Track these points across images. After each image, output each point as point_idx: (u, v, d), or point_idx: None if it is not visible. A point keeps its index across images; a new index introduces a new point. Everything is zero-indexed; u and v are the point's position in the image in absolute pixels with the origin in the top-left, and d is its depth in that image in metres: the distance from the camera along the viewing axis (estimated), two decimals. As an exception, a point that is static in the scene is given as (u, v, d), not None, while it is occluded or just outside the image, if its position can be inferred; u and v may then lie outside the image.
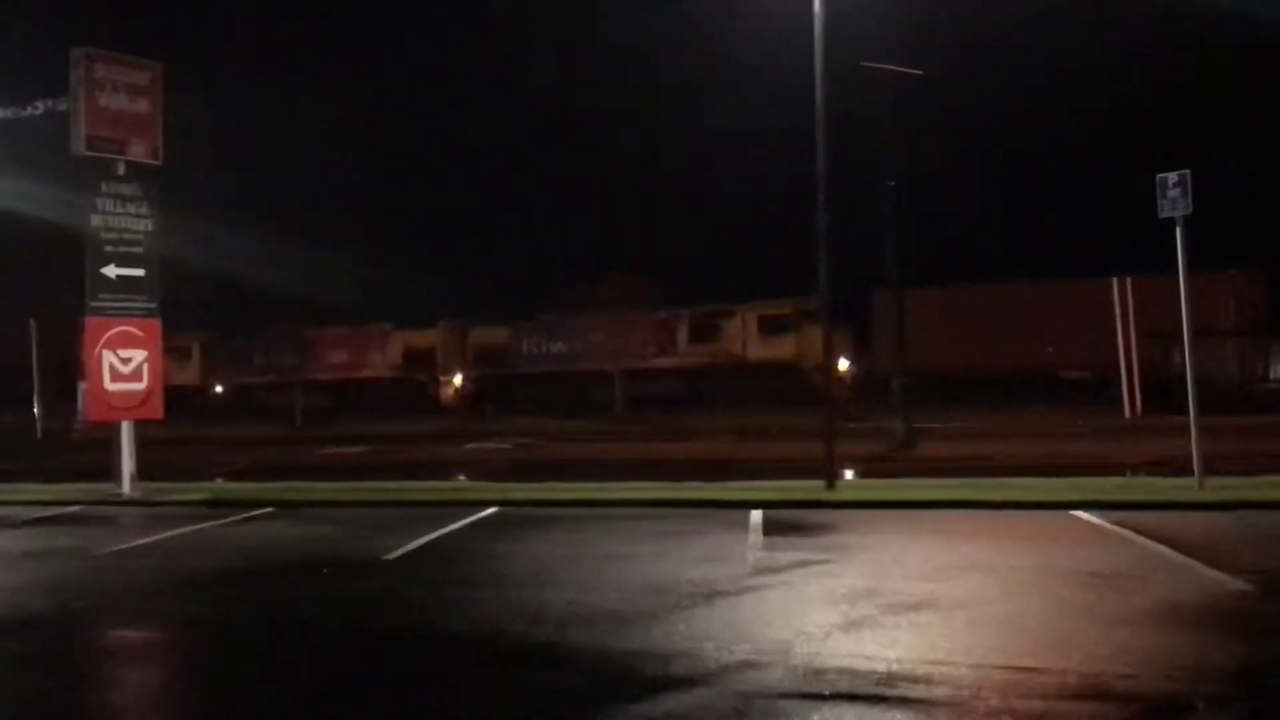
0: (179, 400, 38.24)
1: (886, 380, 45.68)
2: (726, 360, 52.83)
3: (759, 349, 52.66)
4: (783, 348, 52.58)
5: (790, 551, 12.72)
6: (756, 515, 15.43)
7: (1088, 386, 44.35)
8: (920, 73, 26.45)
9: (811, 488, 17.93)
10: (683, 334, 53.64)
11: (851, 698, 7.19)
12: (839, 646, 8.39)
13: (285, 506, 18.86)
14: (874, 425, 30.86)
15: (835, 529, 14.37)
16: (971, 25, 52.67)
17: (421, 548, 14.02)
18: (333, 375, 59.57)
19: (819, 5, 18.28)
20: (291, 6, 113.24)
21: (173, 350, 42.71)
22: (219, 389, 59.99)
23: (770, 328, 52.67)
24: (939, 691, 7.25)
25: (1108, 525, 13.92)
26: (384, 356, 59.69)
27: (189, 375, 57.93)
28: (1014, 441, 28.38)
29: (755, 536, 13.91)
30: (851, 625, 9.07)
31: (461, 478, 24.93)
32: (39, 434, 44.10)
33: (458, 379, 60.60)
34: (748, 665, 7.95)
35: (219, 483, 24.39)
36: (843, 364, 53.79)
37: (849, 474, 20.98)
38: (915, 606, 9.65)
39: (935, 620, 9.17)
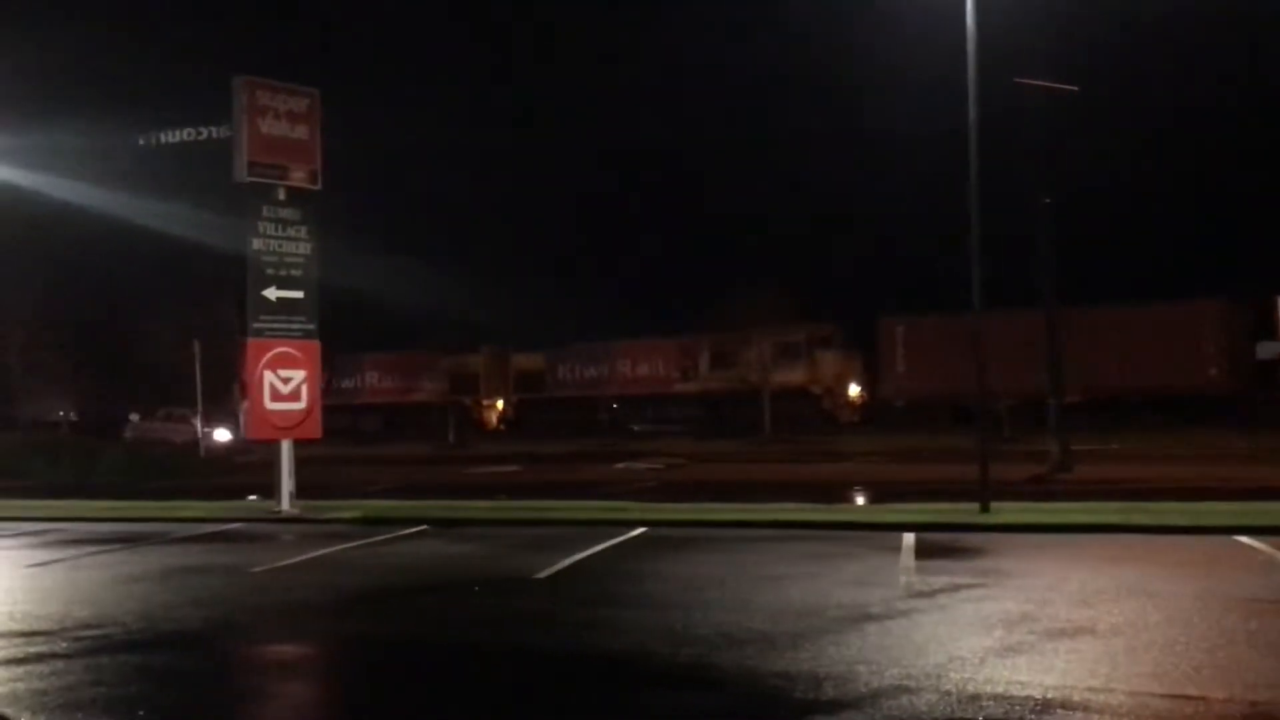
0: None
1: (890, 404, 45.99)
2: (743, 385, 53.26)
3: (773, 374, 53.00)
4: (795, 373, 53.06)
5: (943, 575, 12.55)
6: (909, 538, 15.24)
7: (1083, 410, 43.33)
8: (1075, 89, 25.99)
9: (966, 510, 17.67)
10: (704, 360, 54.26)
11: (1006, 724, 7.06)
12: (993, 672, 8.24)
13: (438, 524, 19.07)
14: (1027, 448, 30.25)
15: (990, 552, 14.14)
16: (1119, 38, 51.80)
17: (571, 567, 14.11)
18: (384, 399, 61.73)
19: (971, 21, 18.06)
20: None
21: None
22: None
23: (784, 353, 53.15)
24: (1097, 720, 7.09)
25: (1272, 550, 13.49)
26: (433, 381, 61.41)
27: None
28: (1174, 464, 27.66)
29: (908, 559, 13.76)
30: (1006, 651, 8.90)
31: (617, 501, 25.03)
32: (202, 453, 45.33)
33: (500, 403, 62.13)
34: (899, 689, 7.84)
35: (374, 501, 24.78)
36: (853, 389, 54.15)
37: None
38: (1072, 632, 9.45)
39: (1093, 646, 8.97)
